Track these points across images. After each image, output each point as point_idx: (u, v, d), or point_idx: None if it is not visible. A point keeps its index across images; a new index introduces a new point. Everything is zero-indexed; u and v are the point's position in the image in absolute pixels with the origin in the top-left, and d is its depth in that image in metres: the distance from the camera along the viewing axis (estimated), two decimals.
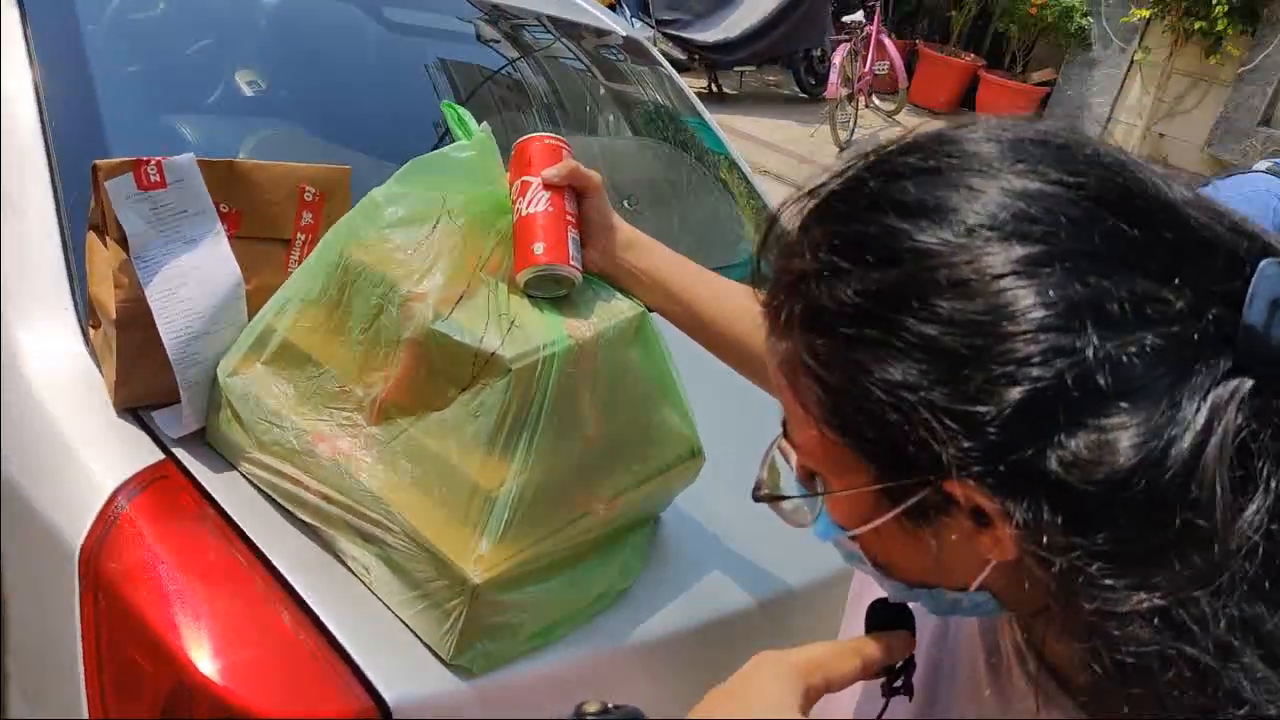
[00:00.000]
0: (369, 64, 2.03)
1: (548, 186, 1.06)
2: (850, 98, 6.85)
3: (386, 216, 1.04)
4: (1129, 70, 7.53)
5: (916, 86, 8.12)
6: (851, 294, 0.54)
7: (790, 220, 0.60)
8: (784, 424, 0.65)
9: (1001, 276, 0.50)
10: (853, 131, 6.92)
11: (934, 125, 0.60)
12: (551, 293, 1.07)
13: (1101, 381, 0.48)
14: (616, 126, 2.35)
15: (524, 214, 1.06)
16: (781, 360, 0.61)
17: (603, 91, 2.40)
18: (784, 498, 0.66)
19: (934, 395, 0.51)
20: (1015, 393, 0.49)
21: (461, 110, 1.13)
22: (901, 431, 0.52)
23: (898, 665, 0.68)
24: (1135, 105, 7.57)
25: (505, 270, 1.08)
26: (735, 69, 7.92)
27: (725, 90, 7.97)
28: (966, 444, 0.50)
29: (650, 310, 1.13)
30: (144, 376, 1.13)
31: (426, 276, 1.01)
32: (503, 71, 2.23)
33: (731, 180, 2.37)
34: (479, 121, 1.11)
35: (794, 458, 0.65)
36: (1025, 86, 8.13)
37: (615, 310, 1.09)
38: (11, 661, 1.26)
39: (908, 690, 0.68)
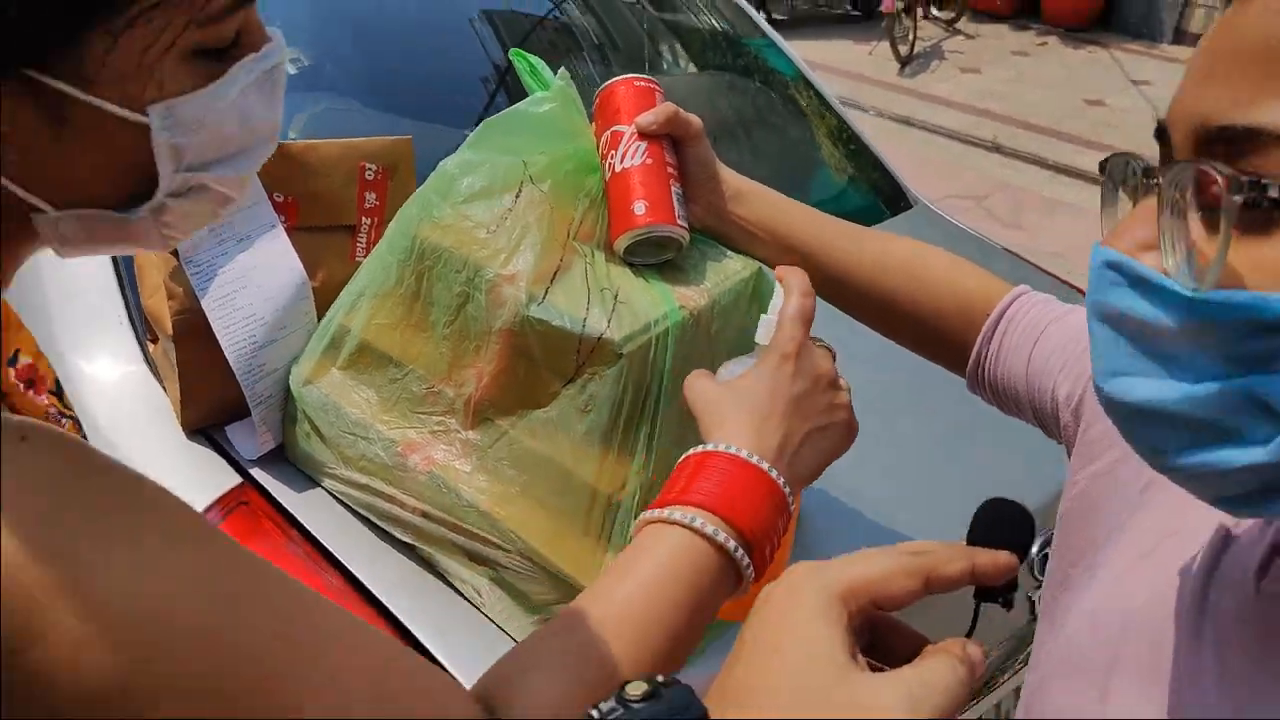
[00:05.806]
0: (410, 23, 1.89)
1: (643, 136, 0.91)
2: (907, 10, 6.51)
3: (462, 190, 0.89)
4: None
5: None
6: None
7: None
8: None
9: None
10: (913, 45, 6.60)
11: None
12: (655, 257, 0.93)
13: None
14: (674, 59, 2.18)
15: (618, 170, 0.91)
16: None
17: (656, 23, 2.23)
18: None
19: None
20: None
21: (533, 58, 0.97)
22: None
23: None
24: None
25: (600, 237, 0.93)
26: None
27: (775, 16, 7.72)
28: None
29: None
30: (210, 393, 1.02)
31: (515, 255, 0.87)
32: (550, 15, 2.07)
33: (807, 104, 2.18)
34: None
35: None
36: None
37: (727, 271, 0.94)
38: None
39: (1006, 604, 0.55)
